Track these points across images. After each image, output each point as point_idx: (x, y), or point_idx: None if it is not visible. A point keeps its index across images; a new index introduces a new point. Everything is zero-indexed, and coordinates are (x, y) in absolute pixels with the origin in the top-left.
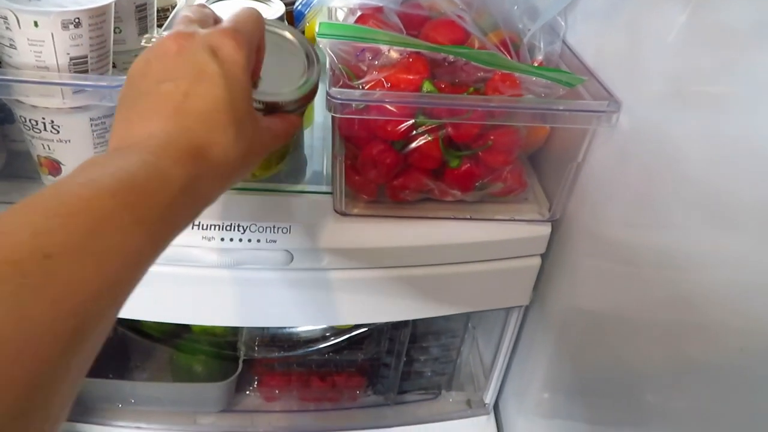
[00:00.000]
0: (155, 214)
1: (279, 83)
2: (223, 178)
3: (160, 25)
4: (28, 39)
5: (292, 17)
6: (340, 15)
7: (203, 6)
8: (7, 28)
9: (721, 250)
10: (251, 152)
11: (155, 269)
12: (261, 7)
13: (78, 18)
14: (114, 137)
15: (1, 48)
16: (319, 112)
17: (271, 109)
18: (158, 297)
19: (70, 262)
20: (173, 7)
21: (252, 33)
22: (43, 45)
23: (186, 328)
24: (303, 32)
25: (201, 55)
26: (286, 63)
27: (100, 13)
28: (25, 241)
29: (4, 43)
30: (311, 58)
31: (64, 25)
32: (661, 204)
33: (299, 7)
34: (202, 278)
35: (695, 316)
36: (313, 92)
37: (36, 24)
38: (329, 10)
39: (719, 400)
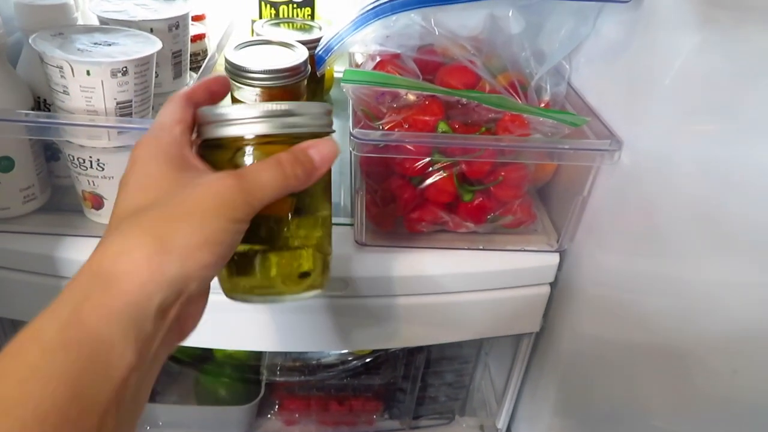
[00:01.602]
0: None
1: None
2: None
3: (192, 69)
4: (80, 86)
5: (314, 61)
6: (359, 58)
7: None
8: (62, 76)
9: (720, 277)
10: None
11: None
12: (286, 52)
13: (126, 67)
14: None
15: (54, 94)
16: None
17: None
18: None
19: None
20: (204, 52)
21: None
22: (94, 91)
23: (210, 352)
24: (323, 75)
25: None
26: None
27: (144, 62)
28: None
29: (58, 89)
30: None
31: (113, 74)
32: (663, 234)
33: (320, 53)
34: (228, 304)
35: (699, 342)
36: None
37: (88, 73)
38: (349, 56)
39: (728, 429)
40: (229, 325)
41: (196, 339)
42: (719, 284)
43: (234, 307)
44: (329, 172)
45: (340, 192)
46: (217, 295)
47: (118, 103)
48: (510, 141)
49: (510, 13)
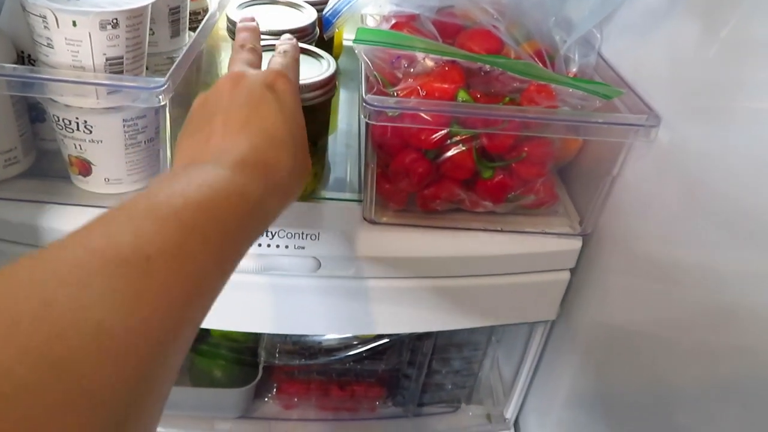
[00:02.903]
0: (234, 227)
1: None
2: (285, 194)
3: (192, 29)
4: (65, 38)
5: (322, 23)
6: (370, 22)
7: (253, 36)
8: (45, 27)
9: (761, 270)
10: (305, 171)
11: None
12: (294, 14)
13: (116, 18)
14: (181, 156)
15: (38, 47)
16: (343, 118)
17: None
18: None
19: (167, 266)
20: (205, 11)
21: (296, 70)
22: (81, 45)
23: (206, 332)
24: (332, 38)
25: (257, 87)
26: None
27: (137, 14)
28: (129, 243)
29: (42, 42)
30: (330, 63)
31: (102, 26)
32: (701, 221)
33: (327, 15)
34: (229, 282)
35: (731, 337)
36: (330, 81)
37: (74, 23)
38: (361, 17)
39: (755, 423)
40: (227, 304)
41: None
42: (759, 278)
43: (232, 285)
44: (328, 112)
45: (346, 165)
46: None
47: (107, 59)
48: (538, 113)
49: None
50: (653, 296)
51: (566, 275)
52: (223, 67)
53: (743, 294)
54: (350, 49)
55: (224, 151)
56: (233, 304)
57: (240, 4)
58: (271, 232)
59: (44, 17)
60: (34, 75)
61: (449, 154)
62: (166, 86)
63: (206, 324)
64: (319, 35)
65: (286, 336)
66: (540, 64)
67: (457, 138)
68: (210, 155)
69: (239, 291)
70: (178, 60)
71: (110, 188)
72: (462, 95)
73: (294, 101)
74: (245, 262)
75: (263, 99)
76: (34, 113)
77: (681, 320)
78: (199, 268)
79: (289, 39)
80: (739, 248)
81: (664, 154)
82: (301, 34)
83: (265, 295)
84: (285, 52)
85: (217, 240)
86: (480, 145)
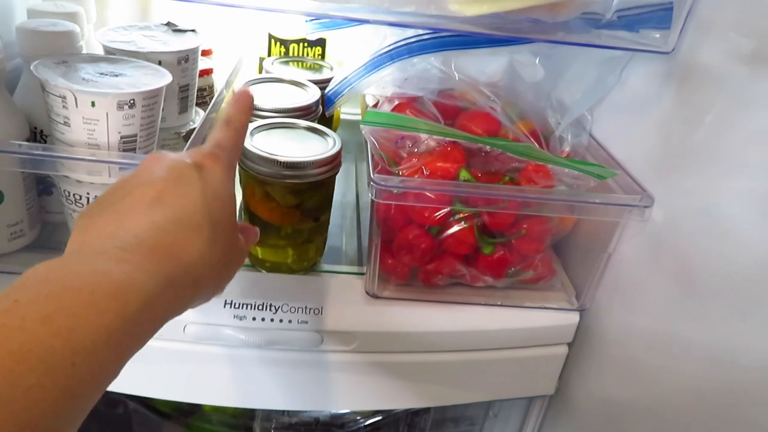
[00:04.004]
0: (120, 322)
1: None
2: (196, 285)
3: (198, 104)
4: (83, 117)
5: (324, 101)
6: (369, 100)
7: (238, 111)
8: (64, 106)
9: (760, 347)
10: (227, 264)
11: (184, 347)
12: (298, 92)
13: (133, 99)
14: (74, 241)
15: (54, 125)
16: (338, 190)
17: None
18: (186, 375)
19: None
20: (210, 88)
21: (234, 147)
22: (97, 123)
23: (198, 406)
24: (332, 116)
25: (180, 164)
26: (310, 144)
27: (153, 95)
28: None
29: (58, 120)
30: (335, 140)
31: (120, 106)
32: (698, 297)
33: (330, 94)
34: (230, 357)
35: (731, 412)
36: (336, 158)
37: (93, 104)
38: (361, 97)
39: None
40: (223, 379)
41: (183, 393)
42: (758, 354)
43: (229, 360)
44: (332, 187)
45: (342, 236)
46: (207, 347)
47: (122, 137)
48: (538, 193)
49: (529, 61)
50: (651, 371)
51: (564, 349)
52: None
53: (742, 369)
54: (347, 122)
55: (116, 235)
56: (230, 379)
57: (247, 82)
58: (275, 306)
59: (64, 97)
60: (50, 153)
61: (452, 230)
62: None
63: (201, 400)
64: (321, 112)
65: (283, 411)
66: (536, 143)
67: (460, 215)
68: (104, 238)
69: (237, 366)
70: (191, 139)
71: None
72: (464, 174)
73: (222, 184)
74: (247, 337)
75: (183, 177)
76: (41, 186)
77: (679, 395)
78: (75, 372)
79: (241, 97)
80: (737, 324)
81: (658, 231)
82: (305, 111)
83: (265, 369)
84: (227, 123)
85: (85, 359)
86: (481, 222)
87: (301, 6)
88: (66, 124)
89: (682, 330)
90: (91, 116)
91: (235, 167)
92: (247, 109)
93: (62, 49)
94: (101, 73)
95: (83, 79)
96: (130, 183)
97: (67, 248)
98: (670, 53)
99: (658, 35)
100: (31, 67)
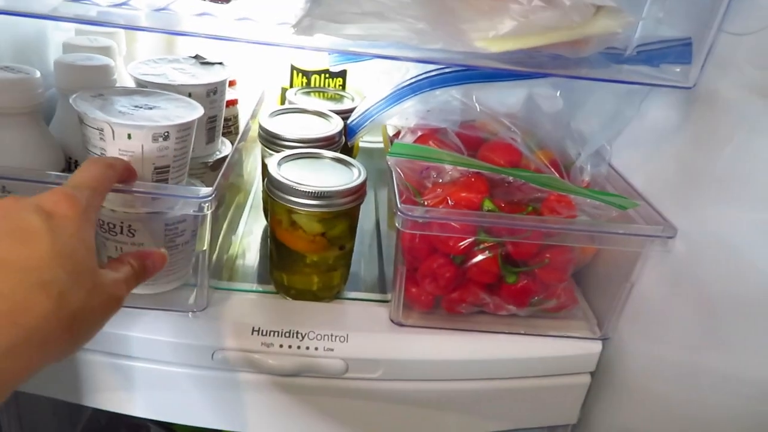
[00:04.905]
0: None
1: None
2: (43, 346)
3: (223, 134)
4: (119, 149)
5: (346, 131)
6: (390, 130)
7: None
8: (101, 138)
9: None
10: (88, 313)
11: (211, 374)
12: (321, 122)
13: (168, 132)
14: None
15: (90, 156)
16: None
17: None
18: (212, 401)
19: None
20: (235, 118)
21: (95, 192)
22: (133, 155)
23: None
24: (353, 146)
25: (25, 214)
26: (336, 174)
27: (187, 127)
28: None
29: (95, 151)
30: (360, 171)
31: (155, 138)
32: (724, 327)
33: (352, 125)
34: (256, 384)
35: None
36: (361, 188)
37: (129, 136)
38: (383, 127)
39: None
40: (247, 405)
41: (208, 419)
42: None
43: (252, 386)
44: (357, 217)
45: (360, 263)
46: (235, 373)
47: (155, 168)
48: (563, 223)
49: (549, 93)
50: (676, 402)
51: (587, 378)
52: (248, 166)
53: None
54: (365, 150)
55: None
56: (256, 406)
57: (271, 113)
58: (301, 334)
59: (101, 130)
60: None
61: (476, 260)
62: (213, 196)
63: (226, 426)
64: (344, 141)
65: None
66: (556, 173)
67: (484, 245)
68: None
69: (264, 393)
70: (222, 171)
71: (145, 289)
72: (487, 204)
73: (77, 230)
74: (275, 364)
75: (28, 231)
76: None
77: (704, 428)
78: None
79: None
80: (763, 355)
81: (679, 260)
82: (329, 142)
83: (290, 396)
84: (98, 161)
85: None
86: (505, 251)
87: (335, 45)
88: (102, 155)
89: (706, 361)
90: (127, 148)
91: (98, 207)
92: (115, 167)
93: (98, 83)
94: (136, 106)
95: (119, 111)
96: None
97: None
98: (692, 88)
99: (678, 69)
100: (70, 101)
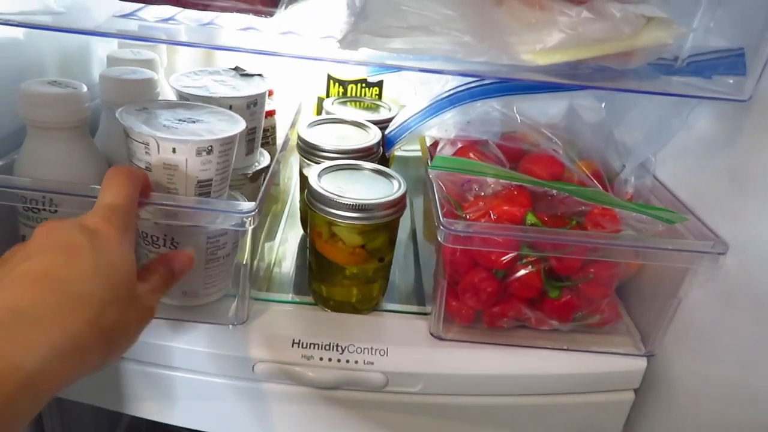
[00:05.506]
0: None
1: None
2: (82, 353)
3: (262, 144)
4: (164, 163)
5: (383, 142)
6: (428, 140)
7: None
8: (146, 152)
9: None
10: (122, 327)
11: (252, 385)
12: (360, 133)
13: (211, 146)
14: None
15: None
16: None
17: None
18: (252, 413)
19: None
20: (272, 128)
21: (126, 212)
22: (177, 169)
23: None
24: (390, 157)
25: (70, 232)
26: (376, 186)
27: (229, 141)
28: None
29: (140, 165)
30: (401, 183)
31: (198, 152)
32: None
33: (390, 136)
34: (297, 397)
35: None
36: (401, 200)
37: (174, 150)
38: (422, 138)
39: None
40: (287, 417)
41: (248, 431)
42: None
43: (292, 398)
44: (396, 229)
45: (395, 273)
46: (275, 385)
47: (198, 182)
48: (608, 238)
49: (592, 105)
50: (724, 422)
51: (630, 395)
52: (285, 175)
53: None
54: (401, 159)
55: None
56: (296, 418)
57: (310, 123)
58: (341, 347)
59: (146, 144)
60: (148, 201)
61: (518, 274)
62: (256, 211)
63: None
64: (381, 152)
65: None
66: (599, 185)
67: (526, 259)
68: None
69: (304, 405)
70: (264, 186)
71: (187, 301)
72: (530, 218)
73: (117, 247)
74: (315, 376)
75: (74, 244)
76: None
77: None
78: None
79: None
80: None
81: (734, 279)
82: (367, 152)
83: (330, 410)
84: (119, 186)
85: None
86: (548, 266)
87: (380, 58)
88: (147, 169)
89: (759, 382)
90: (172, 162)
91: (133, 228)
92: (141, 181)
93: (142, 96)
94: (179, 120)
95: (164, 126)
96: (23, 253)
97: None
98: (746, 101)
99: (731, 81)
100: (116, 114)
